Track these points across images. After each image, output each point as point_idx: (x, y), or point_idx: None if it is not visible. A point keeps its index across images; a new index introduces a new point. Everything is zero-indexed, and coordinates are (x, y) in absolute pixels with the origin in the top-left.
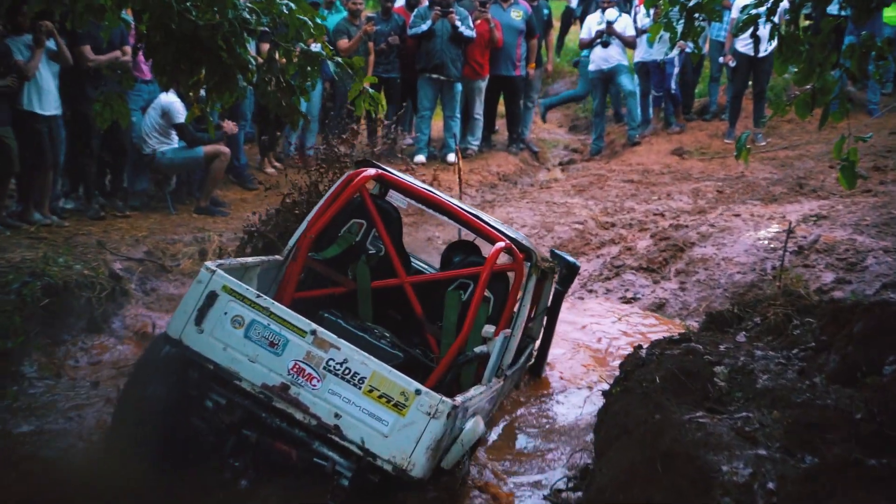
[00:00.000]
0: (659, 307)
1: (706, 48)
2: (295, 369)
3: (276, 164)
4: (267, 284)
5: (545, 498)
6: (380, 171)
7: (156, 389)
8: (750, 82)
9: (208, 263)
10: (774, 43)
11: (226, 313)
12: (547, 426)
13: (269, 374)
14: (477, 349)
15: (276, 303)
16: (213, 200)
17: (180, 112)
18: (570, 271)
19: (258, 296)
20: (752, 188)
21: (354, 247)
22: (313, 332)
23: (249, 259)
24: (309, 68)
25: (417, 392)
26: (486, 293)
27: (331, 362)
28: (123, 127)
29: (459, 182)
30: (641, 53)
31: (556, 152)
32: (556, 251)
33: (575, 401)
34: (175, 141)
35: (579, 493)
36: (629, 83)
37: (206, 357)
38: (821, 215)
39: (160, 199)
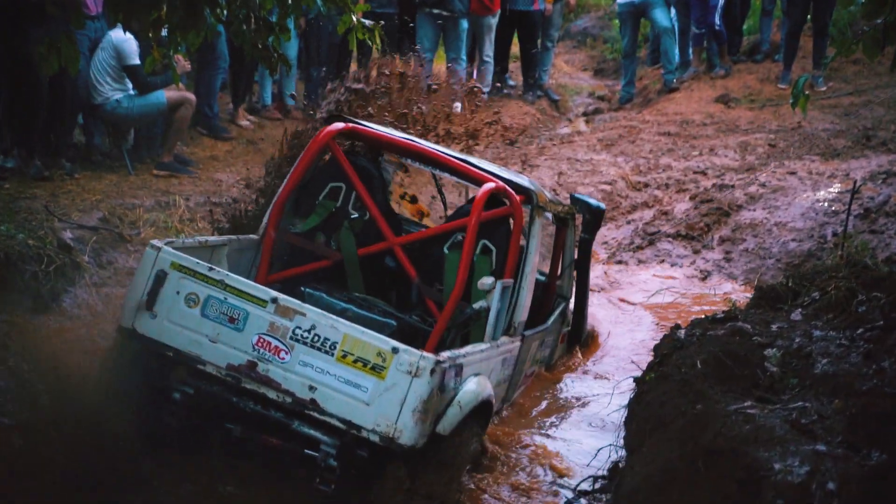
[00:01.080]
0: (701, 280)
1: None
2: (260, 343)
3: (250, 116)
4: (245, 267)
5: (568, 501)
6: (351, 124)
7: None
8: (809, 16)
9: (154, 241)
10: None
11: (178, 292)
12: (573, 414)
13: (232, 352)
14: (476, 305)
15: (230, 274)
16: (178, 157)
17: (134, 52)
18: (594, 216)
19: (210, 269)
20: (811, 141)
21: (336, 213)
22: (274, 300)
23: (213, 237)
24: (290, 1)
25: (395, 350)
26: (488, 245)
27: (297, 330)
28: (73, 73)
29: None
30: None
31: (579, 101)
32: (577, 195)
33: (607, 387)
34: (131, 87)
35: (607, 496)
36: (664, 18)
37: (163, 344)
38: (891, 172)
39: (116, 156)
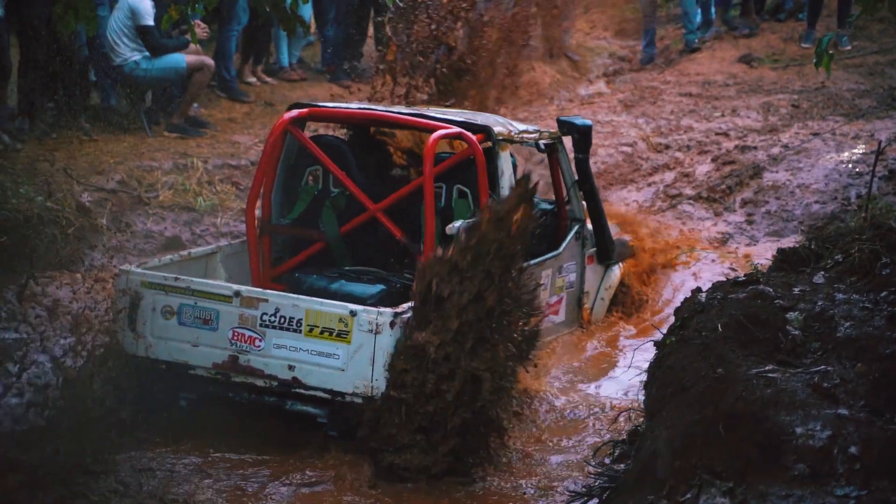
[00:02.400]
0: (721, 243)
1: None
2: (235, 337)
3: (266, 77)
4: (246, 270)
5: (586, 462)
6: (307, 108)
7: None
8: None
9: (123, 266)
10: None
11: (154, 308)
12: (592, 376)
13: (214, 352)
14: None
15: (194, 279)
16: (195, 119)
17: (148, 12)
18: (582, 134)
19: (176, 279)
20: (835, 101)
21: (319, 196)
22: (237, 294)
23: (196, 249)
24: None
25: (353, 314)
26: (463, 188)
27: (265, 316)
28: (90, 34)
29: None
30: None
31: (599, 61)
32: (562, 117)
33: (628, 348)
34: None
35: (627, 461)
36: None
37: (154, 360)
38: None
39: (133, 118)
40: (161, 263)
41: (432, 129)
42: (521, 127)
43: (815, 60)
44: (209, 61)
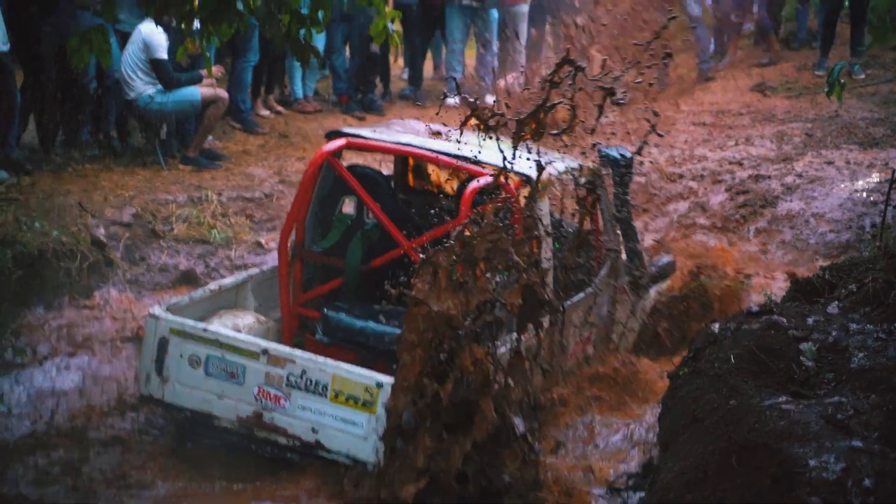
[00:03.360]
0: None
1: None
2: (261, 394)
3: (279, 108)
4: (276, 298)
5: (601, 496)
6: (348, 139)
7: None
8: (847, 2)
9: (153, 309)
10: None
11: (181, 355)
12: (606, 407)
13: (239, 405)
14: None
15: (222, 330)
16: (209, 152)
17: (162, 45)
18: (623, 167)
19: (205, 329)
20: (849, 130)
21: (353, 226)
22: (265, 352)
23: (227, 280)
24: None
25: (379, 385)
26: None
27: (291, 377)
28: (105, 66)
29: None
30: None
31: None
32: (603, 149)
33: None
34: None
35: (641, 493)
36: (695, 7)
37: (178, 406)
38: None
39: (148, 151)
40: (191, 301)
41: (470, 173)
42: (562, 166)
43: (826, 90)
44: (223, 94)
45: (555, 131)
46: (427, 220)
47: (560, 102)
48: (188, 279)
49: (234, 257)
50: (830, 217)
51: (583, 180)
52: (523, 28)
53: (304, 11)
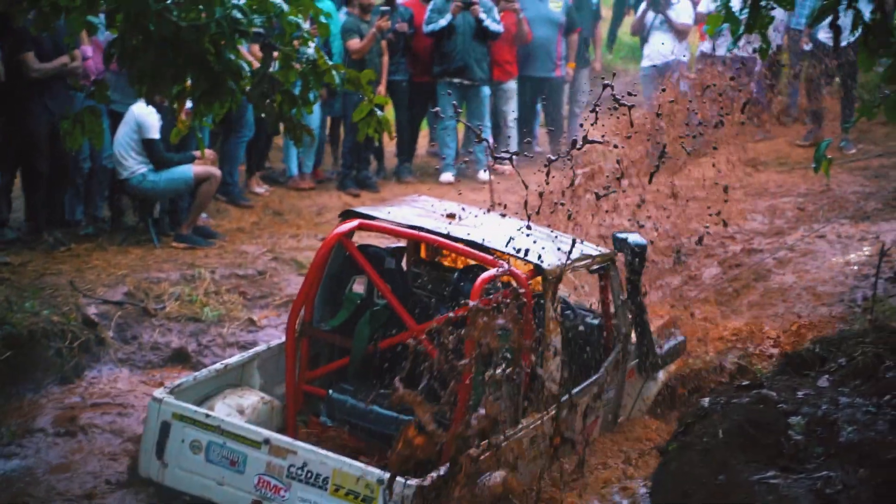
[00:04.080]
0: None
1: (782, 39)
2: (261, 484)
3: (264, 185)
4: (282, 375)
5: None
6: (361, 220)
7: None
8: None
9: (157, 392)
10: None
11: (183, 441)
12: (597, 484)
13: (238, 493)
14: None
15: (225, 418)
16: (202, 230)
17: (154, 126)
18: (636, 254)
19: (207, 416)
20: (840, 204)
21: (362, 305)
22: (267, 442)
23: (232, 359)
24: (311, 78)
25: (379, 482)
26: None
27: (292, 468)
28: (97, 147)
29: (492, 203)
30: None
31: (608, 165)
32: (618, 233)
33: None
34: None
35: None
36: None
37: (178, 491)
38: None
39: (142, 230)
40: (195, 381)
41: (479, 262)
42: (577, 252)
43: (814, 165)
44: (216, 171)
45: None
46: (437, 298)
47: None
48: (180, 357)
49: (226, 335)
50: (822, 290)
51: (595, 268)
52: (512, 105)
53: (296, 91)
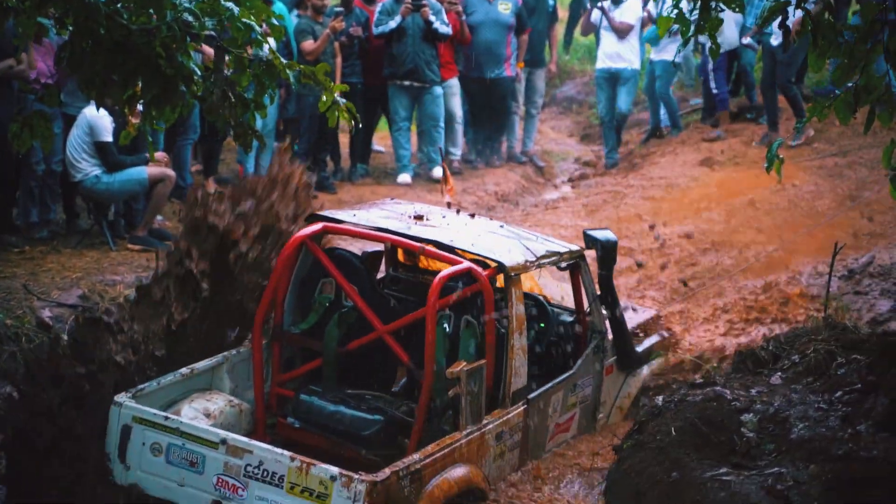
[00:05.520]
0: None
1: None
2: (220, 484)
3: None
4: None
5: None
6: (325, 224)
7: None
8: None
9: (117, 397)
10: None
11: (143, 443)
12: (554, 481)
13: (199, 494)
14: (451, 392)
15: (183, 420)
16: (158, 231)
17: (106, 129)
18: (606, 250)
19: (166, 418)
20: (795, 203)
21: (331, 308)
22: (224, 442)
23: (200, 363)
24: (266, 80)
25: (333, 478)
26: (470, 320)
27: (248, 467)
28: (46, 151)
29: (448, 203)
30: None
31: (564, 166)
32: (588, 231)
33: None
34: None
35: None
36: (626, 102)
37: (142, 492)
38: (875, 233)
39: (96, 232)
40: (159, 386)
41: (442, 260)
42: (543, 250)
43: (766, 165)
44: (171, 173)
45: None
46: (414, 301)
47: None
48: None
49: None
50: (778, 288)
51: (564, 265)
52: (457, 101)
53: (249, 95)
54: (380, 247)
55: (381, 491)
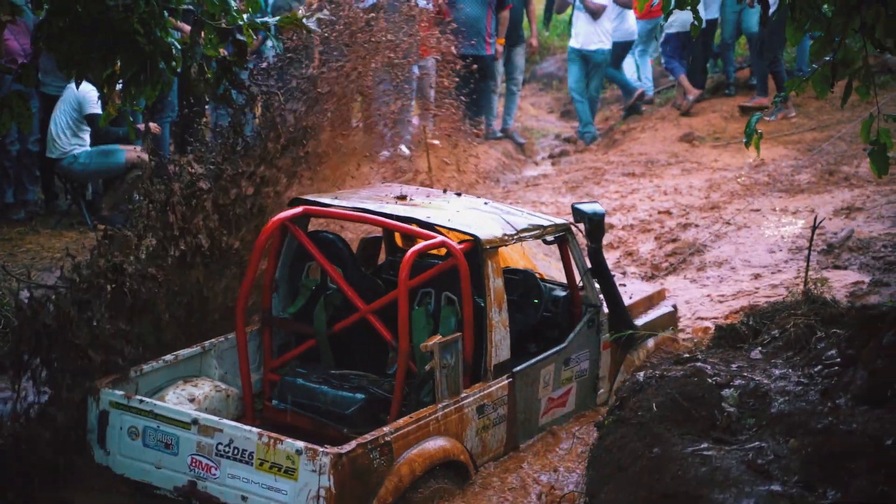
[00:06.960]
0: None
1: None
2: (194, 464)
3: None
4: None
5: None
6: (305, 206)
7: None
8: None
9: (94, 383)
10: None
11: (121, 428)
12: (538, 456)
13: (175, 475)
14: (427, 367)
15: (157, 402)
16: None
17: (94, 101)
18: (593, 223)
19: (141, 401)
20: (774, 178)
21: (318, 291)
22: (195, 422)
23: (185, 350)
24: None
25: (298, 452)
26: (450, 296)
27: (220, 446)
28: (25, 131)
29: (431, 181)
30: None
31: (545, 143)
32: (576, 204)
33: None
34: (89, 143)
35: None
36: (596, 88)
37: (122, 476)
38: (854, 207)
39: (75, 213)
40: (143, 373)
41: (418, 236)
42: (525, 223)
43: (745, 140)
44: (146, 158)
45: None
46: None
47: None
48: None
49: None
50: (758, 263)
51: (550, 238)
52: (432, 80)
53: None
54: (379, 233)
55: (347, 463)
